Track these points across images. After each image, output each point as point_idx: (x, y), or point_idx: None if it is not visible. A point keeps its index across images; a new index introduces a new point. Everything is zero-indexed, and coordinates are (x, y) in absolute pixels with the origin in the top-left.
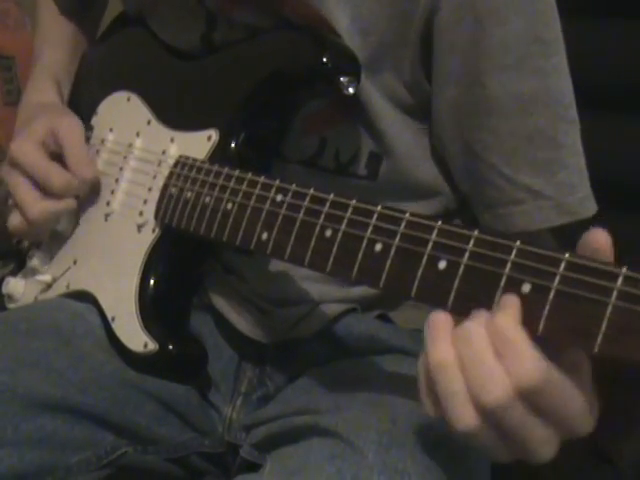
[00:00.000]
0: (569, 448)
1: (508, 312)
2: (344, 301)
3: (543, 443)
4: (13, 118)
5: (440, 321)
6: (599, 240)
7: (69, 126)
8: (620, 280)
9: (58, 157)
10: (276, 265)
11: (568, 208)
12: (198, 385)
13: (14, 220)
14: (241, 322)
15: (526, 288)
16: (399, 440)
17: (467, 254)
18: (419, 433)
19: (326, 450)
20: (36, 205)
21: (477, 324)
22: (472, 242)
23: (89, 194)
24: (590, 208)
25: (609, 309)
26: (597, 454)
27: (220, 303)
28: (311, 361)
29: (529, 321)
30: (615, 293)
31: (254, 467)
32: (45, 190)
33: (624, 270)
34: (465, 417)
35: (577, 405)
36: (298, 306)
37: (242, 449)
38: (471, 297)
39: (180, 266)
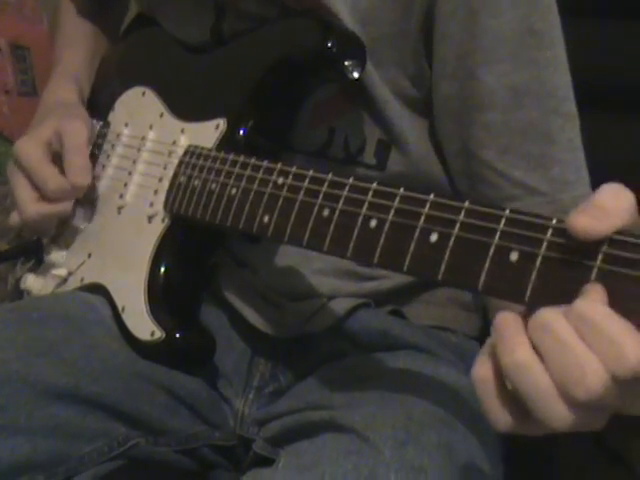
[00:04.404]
0: (579, 447)
1: (590, 297)
2: (357, 296)
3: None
4: (27, 108)
5: (509, 319)
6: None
7: (74, 130)
8: (605, 244)
9: (61, 158)
10: (289, 259)
11: (562, 205)
12: (209, 377)
13: (13, 218)
14: (254, 316)
15: (514, 256)
16: (415, 437)
17: (458, 225)
18: (434, 430)
19: (342, 446)
20: (32, 206)
21: (554, 311)
22: (463, 213)
23: (103, 188)
24: None
25: (594, 272)
26: (609, 453)
27: (233, 297)
28: (324, 356)
29: (516, 289)
30: (600, 256)
31: (266, 462)
32: (41, 192)
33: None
34: (562, 415)
35: None
36: (311, 300)
37: (255, 443)
38: (461, 268)
39: (189, 256)
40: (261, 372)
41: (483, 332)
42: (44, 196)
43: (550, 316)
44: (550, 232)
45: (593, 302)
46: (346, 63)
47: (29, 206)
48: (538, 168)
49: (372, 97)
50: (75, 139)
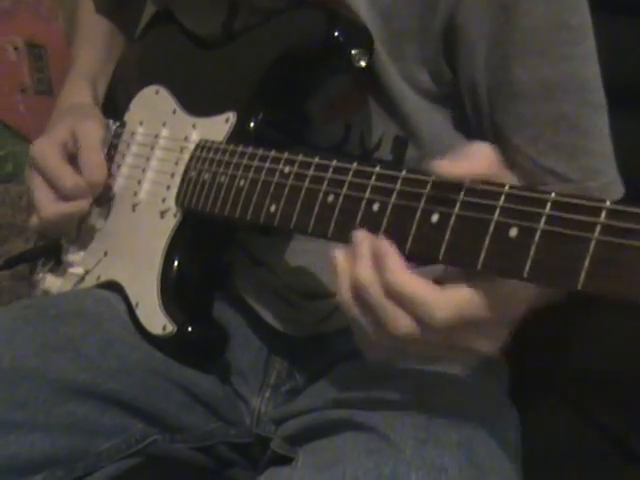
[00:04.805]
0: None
1: (390, 266)
2: None
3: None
4: (44, 107)
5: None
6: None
7: (88, 129)
8: (603, 214)
9: (77, 159)
10: (305, 258)
11: (589, 192)
12: (225, 375)
13: (33, 221)
14: (270, 315)
15: (513, 232)
16: (435, 435)
17: (458, 204)
18: (454, 429)
19: (362, 445)
20: (50, 206)
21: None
22: (463, 192)
23: (119, 187)
24: (614, 193)
25: (592, 245)
26: (627, 453)
27: (249, 296)
28: (340, 355)
29: (515, 265)
30: (598, 228)
31: (283, 460)
32: (58, 191)
33: (607, 204)
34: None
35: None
36: (327, 299)
37: (273, 442)
38: (461, 247)
39: (202, 250)
40: (277, 370)
41: None
42: (61, 195)
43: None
44: (549, 206)
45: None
46: (353, 52)
47: (47, 206)
48: (568, 158)
49: (388, 92)
50: (90, 138)
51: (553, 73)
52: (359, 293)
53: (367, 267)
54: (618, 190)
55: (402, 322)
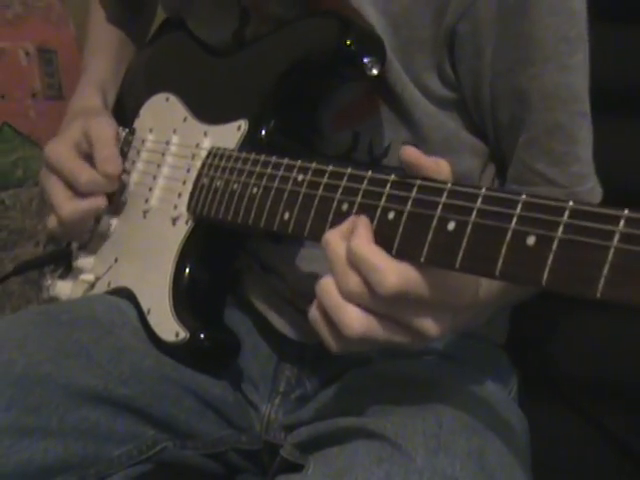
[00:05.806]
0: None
1: (359, 234)
2: None
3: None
4: (54, 112)
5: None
6: (408, 154)
7: (99, 125)
8: (622, 222)
9: (91, 157)
10: (315, 264)
11: (578, 197)
12: (235, 382)
13: (51, 222)
14: (280, 322)
15: (531, 240)
16: (446, 444)
17: (475, 212)
18: (465, 437)
19: (373, 453)
20: (67, 204)
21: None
22: (480, 200)
23: (129, 193)
24: (597, 195)
25: (611, 252)
26: (631, 457)
27: (259, 303)
28: (350, 362)
29: (533, 273)
30: (617, 236)
31: (294, 467)
32: (74, 189)
33: (626, 212)
34: (350, 319)
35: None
36: None
37: (283, 449)
38: (478, 255)
39: (213, 257)
40: (287, 377)
41: (509, 339)
42: (78, 192)
43: (333, 247)
44: (567, 214)
45: (360, 239)
46: (365, 60)
47: (64, 205)
48: (560, 164)
49: (401, 99)
50: (102, 134)
51: (552, 83)
52: (327, 254)
53: (338, 233)
54: (599, 193)
55: (351, 279)
